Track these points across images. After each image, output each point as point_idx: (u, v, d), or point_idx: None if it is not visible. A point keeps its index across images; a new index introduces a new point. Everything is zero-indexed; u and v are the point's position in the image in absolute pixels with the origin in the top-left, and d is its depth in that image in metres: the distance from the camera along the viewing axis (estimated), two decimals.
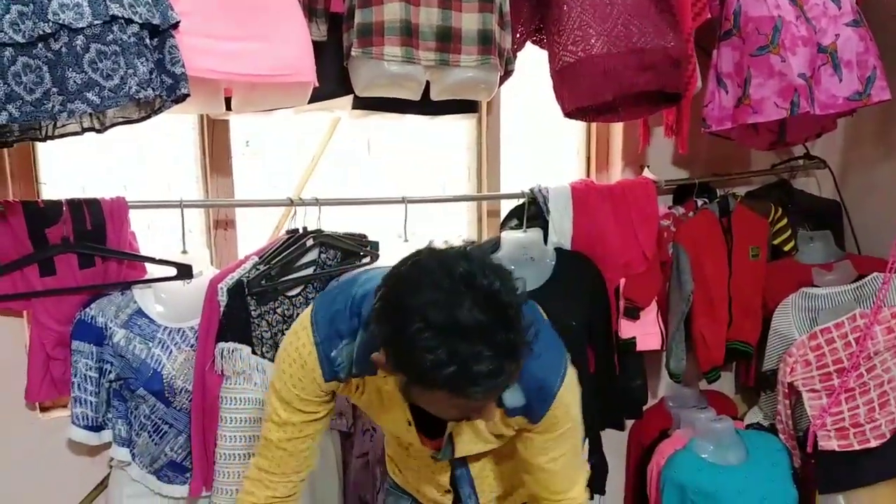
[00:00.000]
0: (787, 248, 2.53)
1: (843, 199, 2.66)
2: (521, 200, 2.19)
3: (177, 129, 2.03)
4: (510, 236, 2.13)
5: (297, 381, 1.27)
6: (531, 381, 1.23)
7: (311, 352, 1.25)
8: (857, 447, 2.16)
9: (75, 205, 1.71)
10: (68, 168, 1.94)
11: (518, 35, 2.06)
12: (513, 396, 1.24)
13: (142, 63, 1.41)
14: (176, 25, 1.49)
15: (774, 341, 2.35)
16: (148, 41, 1.44)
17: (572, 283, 2.08)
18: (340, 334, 1.24)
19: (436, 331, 0.99)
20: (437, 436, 1.33)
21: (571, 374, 1.30)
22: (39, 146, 1.85)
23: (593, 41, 1.91)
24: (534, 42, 2.12)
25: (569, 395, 1.29)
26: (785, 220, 2.52)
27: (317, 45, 1.75)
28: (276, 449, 1.33)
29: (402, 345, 1.01)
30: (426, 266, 1.05)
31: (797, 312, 2.32)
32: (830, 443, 2.18)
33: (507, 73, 2.00)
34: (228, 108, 1.76)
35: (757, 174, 2.69)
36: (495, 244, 2.13)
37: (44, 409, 1.90)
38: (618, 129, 2.47)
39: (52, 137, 1.56)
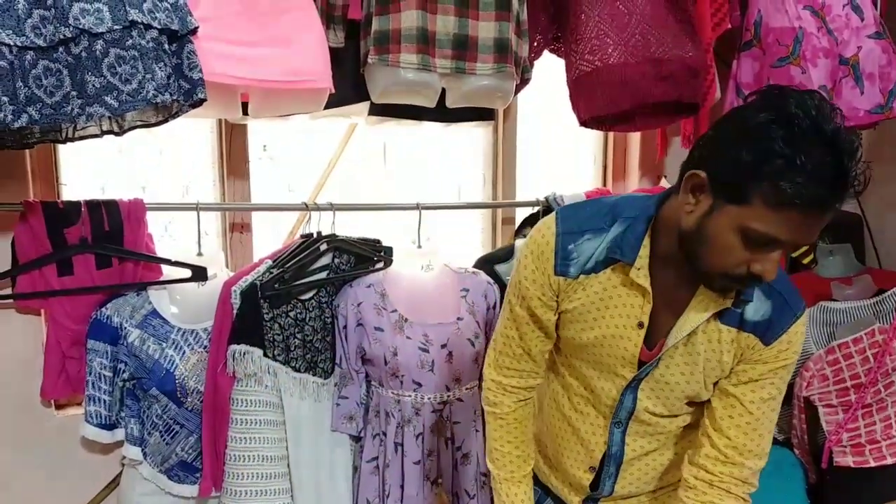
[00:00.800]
0: (805, 261, 2.50)
1: (864, 213, 2.62)
2: (536, 208, 2.19)
3: (195, 132, 2.05)
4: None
5: (531, 274, 1.31)
6: (777, 297, 1.24)
7: (550, 241, 1.28)
8: (872, 464, 2.13)
9: (94, 206, 1.74)
10: (88, 169, 1.97)
11: (536, 43, 2.06)
12: (756, 309, 1.24)
13: (160, 68, 1.43)
14: (194, 31, 1.50)
15: None
16: (166, 46, 1.46)
17: None
18: (584, 230, 1.27)
19: (802, 128, 1.00)
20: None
21: (806, 315, 1.28)
22: (61, 148, 1.88)
23: (611, 50, 1.91)
24: (551, 51, 2.12)
25: (803, 328, 1.27)
26: None
27: (334, 52, 1.76)
28: (516, 347, 1.41)
29: (750, 140, 1.03)
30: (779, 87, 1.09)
31: (815, 326, 2.30)
32: (846, 459, 2.15)
33: (524, 82, 2.01)
34: (245, 112, 1.78)
35: None
36: (509, 252, 2.13)
37: (59, 407, 1.93)
38: (635, 138, 2.46)
39: (72, 139, 1.58)
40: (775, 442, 2.40)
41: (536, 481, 1.58)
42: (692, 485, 1.35)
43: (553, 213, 1.33)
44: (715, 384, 1.34)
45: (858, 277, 2.36)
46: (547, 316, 1.35)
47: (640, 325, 1.27)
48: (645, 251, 1.23)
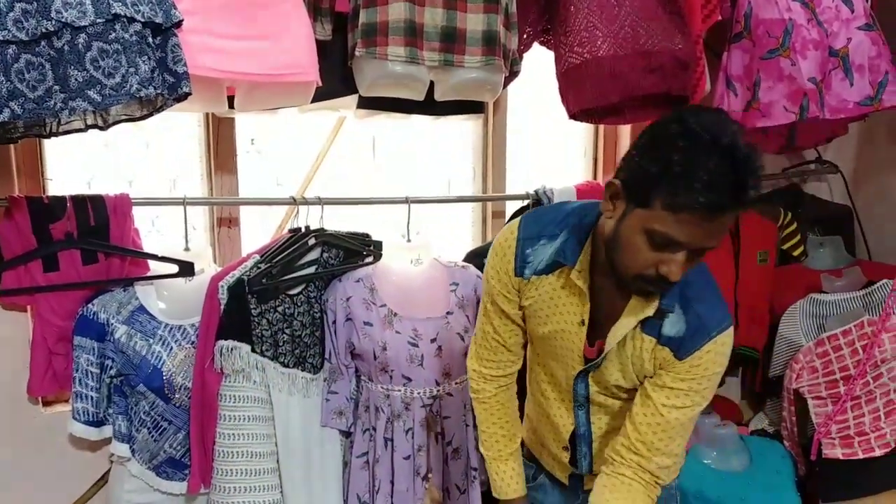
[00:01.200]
0: (796, 254, 2.51)
1: (854, 205, 2.63)
2: (527, 202, 2.19)
3: (182, 126, 2.03)
4: None
5: (496, 273, 1.46)
6: (694, 317, 1.33)
7: (512, 245, 1.43)
8: (861, 456, 2.13)
9: (79, 201, 1.72)
10: (74, 164, 1.95)
11: (525, 36, 2.05)
12: (673, 324, 1.33)
13: (143, 61, 1.41)
14: (179, 24, 1.49)
15: (781, 347, 2.33)
16: (150, 40, 1.44)
17: None
18: (541, 235, 1.40)
19: (702, 141, 1.10)
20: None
21: (729, 337, 1.35)
22: (46, 142, 1.86)
23: (600, 42, 1.90)
24: (541, 43, 2.11)
25: (721, 349, 1.34)
26: (795, 225, 2.50)
27: (322, 45, 1.75)
28: (492, 340, 1.55)
29: (656, 150, 1.14)
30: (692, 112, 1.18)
31: (805, 318, 2.30)
32: (835, 451, 2.16)
33: (513, 74, 2.00)
34: (232, 106, 1.76)
35: (767, 178, 2.66)
36: None
37: (46, 404, 1.92)
38: (626, 130, 2.46)
39: (57, 134, 1.56)
40: (766, 434, 2.42)
41: (531, 458, 1.72)
42: (609, 461, 1.46)
43: (519, 219, 1.46)
44: None
45: (848, 269, 2.37)
46: (514, 311, 1.49)
47: (582, 322, 1.39)
48: (585, 256, 1.34)
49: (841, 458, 2.15)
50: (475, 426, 1.97)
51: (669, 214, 1.13)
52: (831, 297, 2.29)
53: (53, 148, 1.89)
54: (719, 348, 1.34)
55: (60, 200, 1.71)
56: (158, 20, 1.44)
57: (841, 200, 2.69)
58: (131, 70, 1.40)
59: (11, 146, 1.77)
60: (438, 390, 1.91)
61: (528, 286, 1.43)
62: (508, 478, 1.63)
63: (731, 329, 1.36)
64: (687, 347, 1.33)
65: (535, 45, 2.11)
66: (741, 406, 2.68)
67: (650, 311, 1.32)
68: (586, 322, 1.38)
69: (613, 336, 1.36)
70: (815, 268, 2.44)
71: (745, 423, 2.57)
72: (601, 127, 2.49)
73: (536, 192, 2.17)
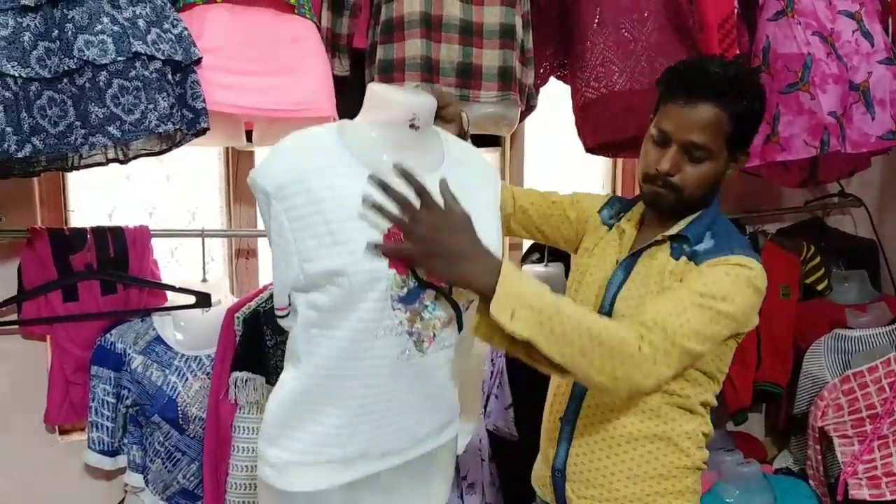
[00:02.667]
0: (820, 288, 2.47)
1: (879, 238, 2.59)
2: None
3: (203, 159, 2.06)
4: (532, 270, 2.11)
5: (587, 195, 1.64)
6: (725, 241, 1.39)
7: (606, 197, 1.65)
8: (889, 497, 2.08)
9: (99, 232, 1.75)
10: (97, 196, 1.99)
11: (542, 70, 2.06)
12: (703, 245, 1.40)
13: (163, 98, 1.44)
14: (198, 61, 1.52)
15: (805, 384, 2.29)
16: (170, 76, 1.47)
17: None
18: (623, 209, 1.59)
19: (685, 62, 1.44)
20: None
21: (751, 267, 1.34)
22: (69, 174, 1.90)
23: (616, 77, 1.90)
24: (557, 77, 2.12)
25: (739, 269, 1.33)
26: (818, 259, 2.46)
27: (339, 80, 1.77)
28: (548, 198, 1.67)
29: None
30: None
31: (829, 354, 2.26)
32: (862, 492, 2.10)
33: (529, 108, 2.00)
34: (250, 140, 1.79)
35: (788, 211, 2.64)
36: None
37: (63, 432, 1.93)
38: None
39: (78, 167, 1.60)
40: (791, 473, 2.36)
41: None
42: None
43: None
44: None
45: (874, 304, 2.32)
46: (568, 214, 1.63)
47: (617, 261, 1.49)
48: (636, 210, 1.53)
49: (868, 499, 2.09)
50: (490, 460, 1.95)
51: (662, 109, 1.38)
52: (857, 333, 2.25)
53: (76, 180, 1.93)
54: (737, 269, 1.32)
55: (81, 232, 1.75)
56: (178, 58, 1.47)
57: (865, 234, 2.65)
58: (150, 106, 1.42)
59: (35, 178, 1.80)
60: None
61: (592, 229, 1.58)
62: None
63: (758, 265, 1.36)
64: (707, 257, 1.36)
65: (552, 78, 2.12)
66: (765, 443, 2.62)
67: (671, 231, 1.42)
68: (620, 261, 1.47)
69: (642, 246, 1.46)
70: (840, 302, 2.39)
71: (769, 460, 2.51)
72: (619, 159, 2.48)
73: None
